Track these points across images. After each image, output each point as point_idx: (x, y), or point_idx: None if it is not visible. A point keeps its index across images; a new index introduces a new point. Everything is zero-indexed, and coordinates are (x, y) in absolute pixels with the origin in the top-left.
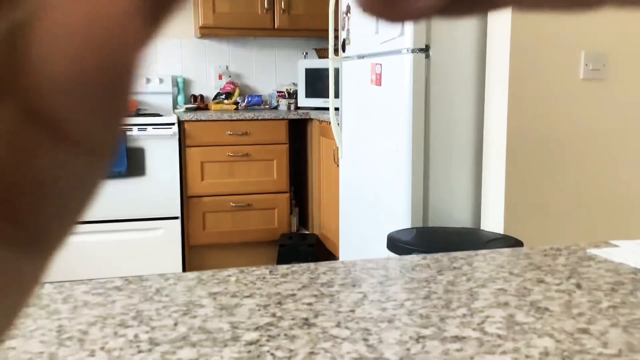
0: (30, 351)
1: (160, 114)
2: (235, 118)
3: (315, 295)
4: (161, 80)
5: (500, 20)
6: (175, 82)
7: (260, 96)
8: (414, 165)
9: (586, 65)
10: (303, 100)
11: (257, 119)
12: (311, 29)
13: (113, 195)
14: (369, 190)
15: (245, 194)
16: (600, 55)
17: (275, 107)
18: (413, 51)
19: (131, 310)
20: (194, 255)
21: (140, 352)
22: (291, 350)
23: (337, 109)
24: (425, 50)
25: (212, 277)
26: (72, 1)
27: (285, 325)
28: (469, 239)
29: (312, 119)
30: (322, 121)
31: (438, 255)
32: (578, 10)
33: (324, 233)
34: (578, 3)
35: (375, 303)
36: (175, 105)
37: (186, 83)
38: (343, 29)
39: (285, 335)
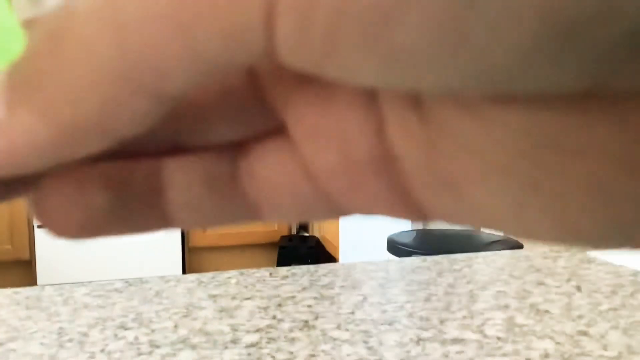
0: (30, 353)
1: None
2: None
3: (316, 298)
4: None
5: None
6: None
7: None
8: None
9: None
10: None
11: None
12: None
13: None
14: None
15: None
16: None
17: None
18: None
19: (131, 313)
20: (194, 257)
21: (140, 354)
22: (291, 353)
23: None
24: None
25: (212, 279)
26: None
27: (285, 327)
28: (469, 242)
29: None
30: None
31: (438, 258)
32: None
33: (324, 235)
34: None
35: (376, 305)
36: None
37: None
38: None
39: (286, 337)
